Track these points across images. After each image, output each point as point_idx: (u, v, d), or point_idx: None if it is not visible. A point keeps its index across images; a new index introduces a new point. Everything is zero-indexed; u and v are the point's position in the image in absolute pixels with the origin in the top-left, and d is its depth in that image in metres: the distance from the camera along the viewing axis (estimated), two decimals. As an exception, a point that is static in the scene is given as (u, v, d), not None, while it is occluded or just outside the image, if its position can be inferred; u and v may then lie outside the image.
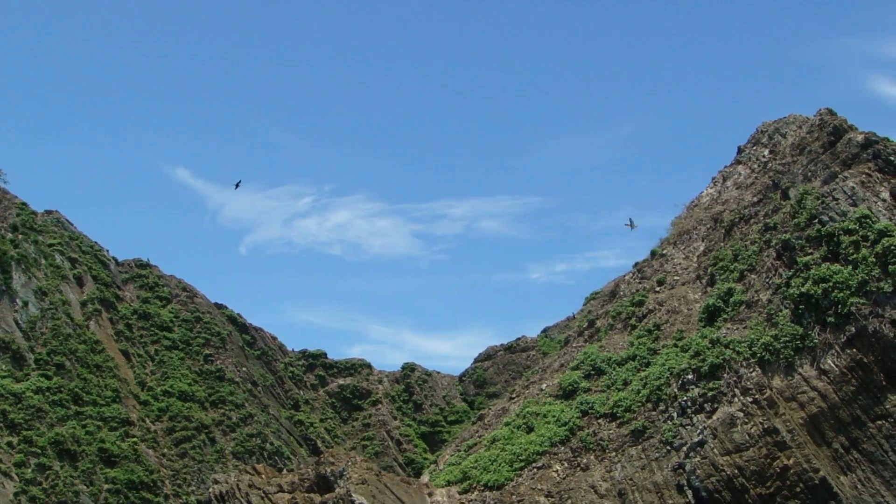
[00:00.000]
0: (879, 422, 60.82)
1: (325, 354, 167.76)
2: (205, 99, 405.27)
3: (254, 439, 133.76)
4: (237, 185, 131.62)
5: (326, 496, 66.60)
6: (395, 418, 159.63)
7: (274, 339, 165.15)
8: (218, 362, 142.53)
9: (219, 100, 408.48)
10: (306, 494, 67.59)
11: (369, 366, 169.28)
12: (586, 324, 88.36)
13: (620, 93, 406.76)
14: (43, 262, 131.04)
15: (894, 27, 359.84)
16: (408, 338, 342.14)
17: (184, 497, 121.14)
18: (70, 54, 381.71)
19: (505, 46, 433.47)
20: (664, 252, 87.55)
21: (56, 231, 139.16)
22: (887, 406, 60.90)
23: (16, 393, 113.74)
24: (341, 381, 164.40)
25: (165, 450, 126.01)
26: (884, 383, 61.45)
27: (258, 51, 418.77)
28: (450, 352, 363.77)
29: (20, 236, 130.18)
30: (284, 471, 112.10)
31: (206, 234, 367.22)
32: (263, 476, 70.85)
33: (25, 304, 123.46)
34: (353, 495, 62.29)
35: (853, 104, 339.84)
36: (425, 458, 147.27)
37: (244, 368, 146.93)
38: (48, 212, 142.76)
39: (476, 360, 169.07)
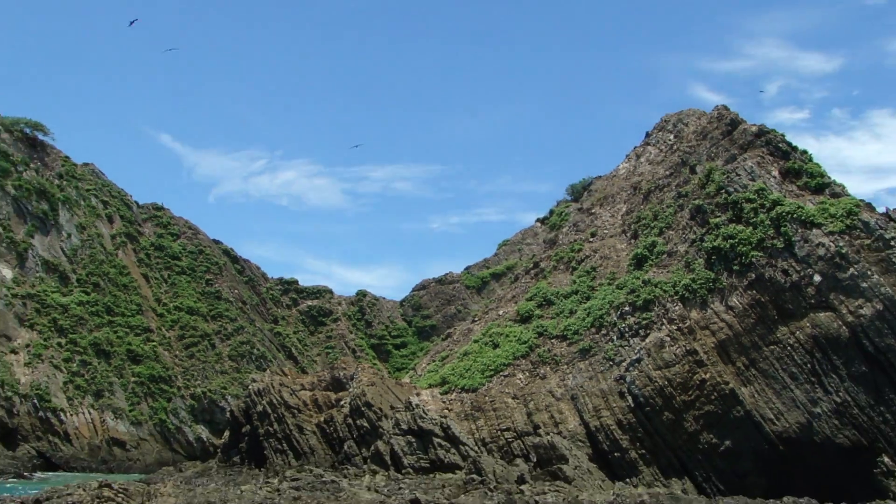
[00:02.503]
0: (772, 347, 60.31)
1: (297, 282, 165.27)
2: (186, 77, 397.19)
3: (244, 345, 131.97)
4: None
5: (341, 393, 64.65)
6: (351, 332, 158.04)
7: (258, 268, 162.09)
8: (216, 285, 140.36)
9: (196, 78, 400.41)
10: (324, 392, 65.48)
11: (331, 291, 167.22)
12: (532, 265, 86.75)
13: (503, 86, 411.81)
14: (82, 203, 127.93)
15: (710, 46, 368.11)
16: (336, 270, 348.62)
17: (192, 388, 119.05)
18: (77, 37, 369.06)
19: (417, 43, 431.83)
20: (593, 210, 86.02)
21: (92, 179, 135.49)
22: (778, 335, 60.39)
23: (63, 305, 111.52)
24: (309, 303, 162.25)
25: (177, 352, 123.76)
26: (776, 317, 60.92)
27: (229, 42, 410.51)
28: (370, 281, 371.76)
29: (65, 182, 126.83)
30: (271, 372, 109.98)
31: (183, 186, 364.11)
32: (289, 377, 68.49)
33: (69, 235, 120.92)
34: (367, 394, 60.22)
35: (680, 105, 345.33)
36: (374, 364, 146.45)
37: (236, 291, 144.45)
38: (85, 164, 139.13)
39: (413, 289, 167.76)
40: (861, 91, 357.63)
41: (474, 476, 41.45)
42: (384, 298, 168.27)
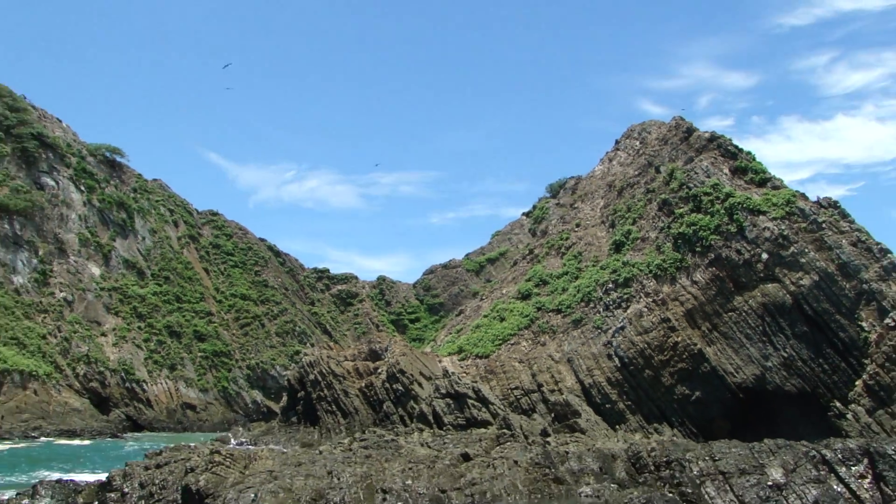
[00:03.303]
0: (730, 313, 59.81)
1: (328, 270, 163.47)
2: (228, 107, 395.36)
3: (288, 324, 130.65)
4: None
5: (377, 363, 63.80)
6: (374, 310, 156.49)
7: (296, 260, 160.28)
8: (263, 275, 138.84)
9: (236, 107, 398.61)
10: (363, 362, 64.64)
11: (356, 277, 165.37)
12: (528, 252, 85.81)
13: (486, 106, 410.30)
14: (153, 211, 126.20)
15: (652, 68, 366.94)
16: (354, 258, 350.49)
17: (247, 360, 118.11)
18: (130, 69, 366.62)
19: (416, 74, 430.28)
20: (576, 205, 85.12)
21: (160, 192, 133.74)
22: (734, 303, 59.89)
23: (141, 295, 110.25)
24: (339, 287, 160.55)
25: (234, 331, 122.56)
26: (732, 289, 60.41)
27: (262, 76, 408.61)
28: (383, 267, 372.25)
29: (138, 195, 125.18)
30: (306, 345, 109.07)
31: (228, 194, 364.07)
32: (334, 350, 67.53)
33: (143, 238, 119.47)
34: (401, 362, 59.39)
35: (630, 116, 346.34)
36: (394, 336, 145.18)
37: (279, 279, 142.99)
38: (154, 179, 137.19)
39: (424, 273, 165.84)
40: (774, 102, 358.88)
41: (505, 431, 40.72)
42: (400, 282, 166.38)
